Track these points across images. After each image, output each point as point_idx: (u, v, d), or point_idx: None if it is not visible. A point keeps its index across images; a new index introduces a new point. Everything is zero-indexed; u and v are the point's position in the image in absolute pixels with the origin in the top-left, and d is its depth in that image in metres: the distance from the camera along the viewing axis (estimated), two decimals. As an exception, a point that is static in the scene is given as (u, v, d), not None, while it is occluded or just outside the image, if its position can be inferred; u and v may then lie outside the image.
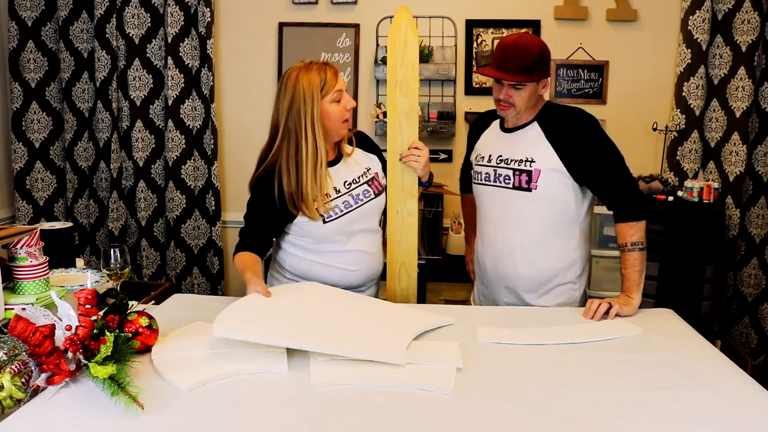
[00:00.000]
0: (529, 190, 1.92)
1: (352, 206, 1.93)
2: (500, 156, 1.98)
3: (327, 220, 1.90)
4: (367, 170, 2.00)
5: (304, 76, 1.81)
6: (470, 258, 2.30)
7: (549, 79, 1.97)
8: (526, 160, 1.92)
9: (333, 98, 1.83)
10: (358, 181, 1.96)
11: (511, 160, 1.95)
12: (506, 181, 1.96)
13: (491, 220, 2.03)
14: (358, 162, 1.99)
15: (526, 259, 1.97)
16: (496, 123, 2.06)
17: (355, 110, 3.34)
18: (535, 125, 1.94)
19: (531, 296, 2.00)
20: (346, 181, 1.94)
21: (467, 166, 2.21)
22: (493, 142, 2.03)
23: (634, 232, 1.88)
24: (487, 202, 2.04)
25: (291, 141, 1.84)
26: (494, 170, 1.99)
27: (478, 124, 2.14)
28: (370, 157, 2.04)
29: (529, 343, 1.60)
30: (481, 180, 2.04)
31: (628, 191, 1.90)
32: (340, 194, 1.92)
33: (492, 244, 2.03)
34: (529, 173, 1.91)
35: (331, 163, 1.94)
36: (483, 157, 2.04)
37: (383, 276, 2.07)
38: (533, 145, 1.92)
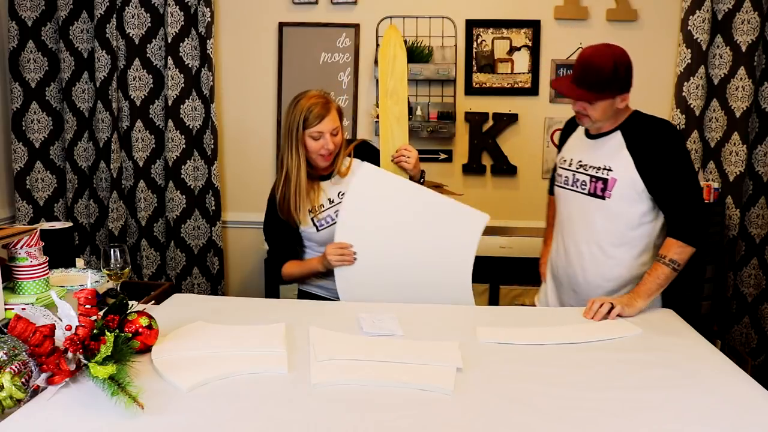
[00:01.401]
0: (603, 198, 1.93)
1: None
2: (580, 161, 2.00)
3: (320, 228, 2.08)
4: None
5: (300, 104, 2.01)
6: (544, 260, 2.31)
7: (628, 93, 1.92)
8: (604, 168, 1.93)
9: (311, 135, 2.00)
10: None
11: (590, 167, 1.97)
12: (582, 186, 1.98)
13: (565, 223, 2.07)
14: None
15: (592, 266, 1.99)
16: (582, 128, 2.07)
17: (354, 110, 3.34)
18: (618, 134, 1.93)
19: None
20: (340, 192, 2.09)
21: (556, 167, 2.24)
22: (576, 146, 2.05)
23: (678, 251, 1.85)
24: (564, 205, 2.08)
25: (282, 156, 2.05)
26: (573, 174, 2.02)
27: (568, 126, 2.17)
28: None
29: (529, 343, 1.60)
30: (561, 183, 2.07)
31: (692, 214, 1.87)
32: (333, 204, 2.08)
33: (564, 247, 2.07)
34: (605, 181, 1.92)
35: (326, 177, 2.11)
36: (565, 161, 2.07)
37: None
38: (613, 154, 1.92)
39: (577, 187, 2.00)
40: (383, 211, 2.00)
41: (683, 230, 1.86)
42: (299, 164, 2.02)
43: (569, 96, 1.91)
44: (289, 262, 2.12)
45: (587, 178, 1.97)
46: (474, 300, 2.06)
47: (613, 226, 1.95)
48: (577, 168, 2.00)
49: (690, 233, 1.86)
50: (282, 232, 2.11)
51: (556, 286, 2.15)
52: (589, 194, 1.96)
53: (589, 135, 2.02)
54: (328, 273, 2.07)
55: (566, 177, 2.05)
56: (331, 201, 2.09)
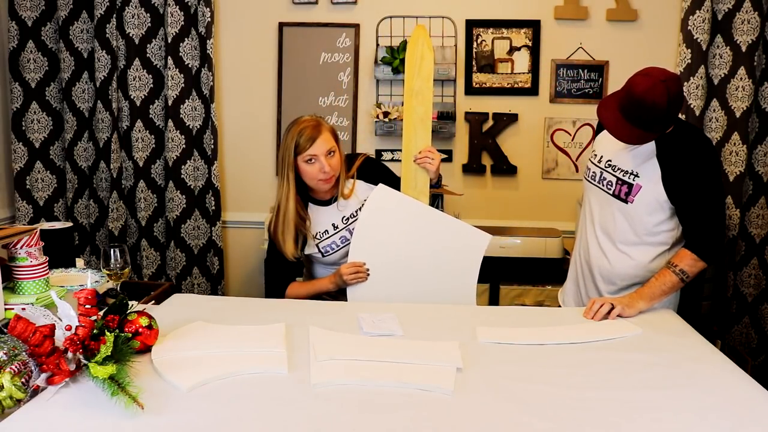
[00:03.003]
0: (625, 201, 1.94)
1: (348, 240, 2.08)
2: (610, 161, 2.00)
3: (325, 255, 2.10)
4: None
5: (291, 131, 2.00)
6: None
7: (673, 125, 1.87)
8: (631, 173, 1.93)
9: (304, 159, 1.98)
10: (355, 215, 2.10)
11: (618, 169, 1.97)
12: (608, 186, 1.99)
13: (588, 217, 2.09)
14: (358, 196, 2.11)
15: (610, 263, 2.01)
16: None
17: (354, 110, 3.34)
18: (652, 142, 1.91)
19: (609, 296, 2.02)
20: (344, 217, 2.10)
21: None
22: (608, 144, 2.03)
23: (690, 263, 1.85)
24: (588, 199, 2.10)
25: (280, 183, 2.04)
26: (601, 172, 2.02)
27: None
28: (372, 188, 2.12)
29: (529, 343, 1.60)
30: (589, 177, 2.09)
31: (710, 230, 1.86)
32: (337, 230, 2.09)
33: (585, 240, 2.10)
34: (630, 186, 1.92)
35: (328, 202, 2.10)
36: (596, 156, 2.07)
37: None
38: (642, 160, 1.91)
39: (603, 185, 2.01)
40: (395, 230, 2.06)
41: (700, 245, 1.86)
42: (288, 192, 2.01)
43: (622, 140, 1.86)
44: (294, 284, 2.11)
45: (614, 180, 1.97)
46: (475, 302, 2.10)
47: (632, 229, 1.96)
48: (606, 167, 2.01)
49: (706, 249, 1.85)
50: (284, 260, 2.09)
51: (579, 281, 2.16)
52: (614, 195, 1.97)
53: None
54: (337, 291, 2.08)
55: (594, 172, 2.05)
56: (335, 227, 2.09)
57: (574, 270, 2.19)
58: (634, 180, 1.92)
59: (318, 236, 2.08)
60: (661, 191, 1.88)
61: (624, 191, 1.93)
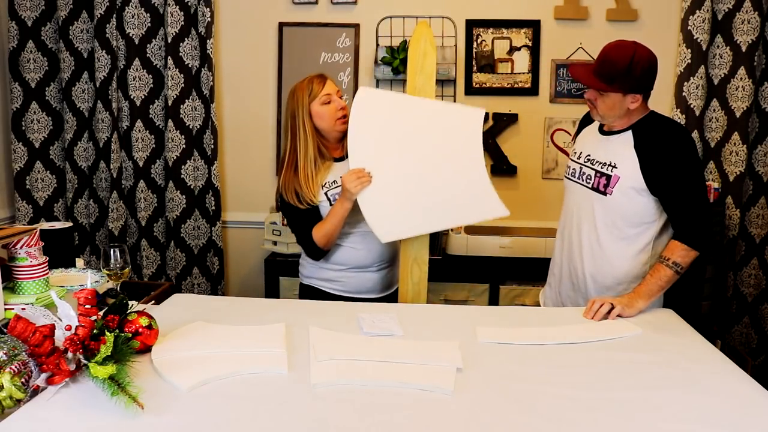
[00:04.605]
0: (604, 194, 1.94)
1: None
2: (588, 155, 2.02)
3: (333, 203, 2.11)
4: None
5: (298, 88, 2.11)
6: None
7: (641, 95, 1.88)
8: (609, 165, 1.94)
9: (321, 101, 2.07)
10: None
11: (596, 162, 1.98)
12: (587, 180, 2.00)
13: (569, 215, 2.09)
14: None
15: (592, 260, 2.00)
16: (597, 123, 2.07)
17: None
18: (629, 133, 1.93)
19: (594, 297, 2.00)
20: None
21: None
22: (588, 140, 2.06)
23: (681, 254, 1.85)
24: (569, 197, 2.10)
25: (293, 140, 2.11)
26: (580, 168, 2.04)
27: (585, 119, 2.17)
28: None
29: (529, 343, 1.60)
30: (569, 174, 2.09)
31: (697, 218, 1.87)
32: None
33: (567, 238, 2.09)
34: (608, 177, 1.93)
35: (339, 159, 2.15)
36: (576, 153, 2.09)
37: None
38: (619, 152, 1.93)
39: (582, 180, 2.01)
40: (387, 127, 2.04)
41: (689, 234, 1.86)
42: (308, 138, 2.08)
43: (579, 79, 1.92)
44: (316, 226, 2.11)
45: (592, 173, 1.98)
46: (503, 205, 2.05)
47: (612, 222, 1.95)
48: (585, 162, 2.02)
49: (695, 237, 1.85)
50: (302, 211, 2.11)
51: (557, 281, 2.15)
52: (592, 188, 1.97)
53: (601, 131, 2.02)
54: (356, 214, 2.07)
55: (574, 169, 2.06)
56: None
57: (557, 271, 2.17)
58: (612, 171, 1.92)
59: (328, 185, 2.12)
60: (640, 180, 1.88)
61: (602, 183, 1.94)
